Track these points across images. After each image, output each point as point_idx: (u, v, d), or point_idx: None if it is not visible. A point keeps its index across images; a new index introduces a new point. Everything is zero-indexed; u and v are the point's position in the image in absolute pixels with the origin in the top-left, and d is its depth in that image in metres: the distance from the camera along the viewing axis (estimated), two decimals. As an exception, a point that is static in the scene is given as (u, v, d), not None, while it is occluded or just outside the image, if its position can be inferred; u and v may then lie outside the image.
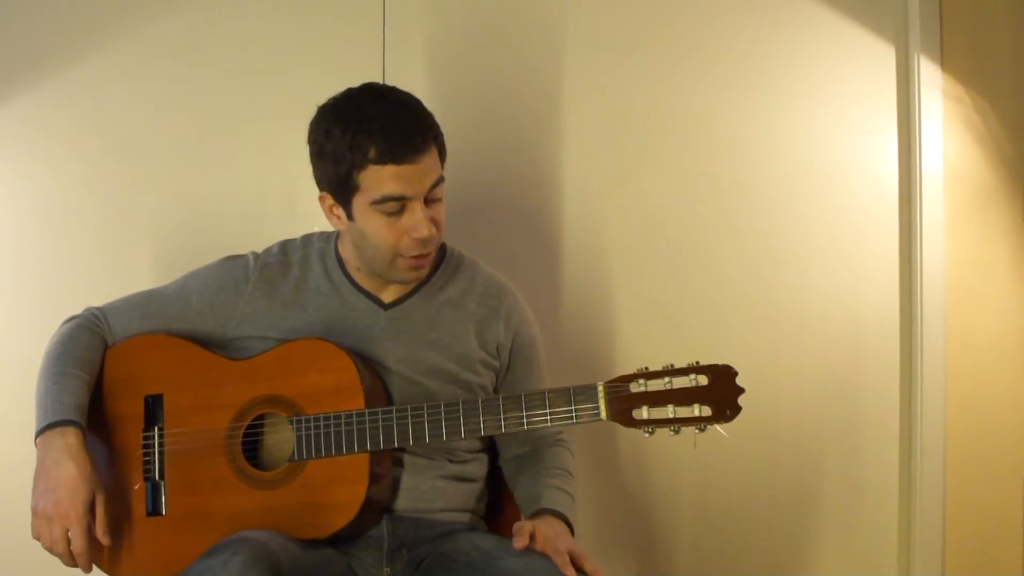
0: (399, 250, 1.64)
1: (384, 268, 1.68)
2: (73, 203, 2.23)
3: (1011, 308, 2.45)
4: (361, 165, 1.59)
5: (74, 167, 2.23)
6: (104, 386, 1.71)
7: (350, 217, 1.66)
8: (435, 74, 2.29)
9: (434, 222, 1.64)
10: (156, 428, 1.68)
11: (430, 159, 1.62)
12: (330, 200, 1.68)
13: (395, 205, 1.60)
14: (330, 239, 1.80)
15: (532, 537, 1.55)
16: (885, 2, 2.42)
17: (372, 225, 1.63)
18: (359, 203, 1.63)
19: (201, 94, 2.26)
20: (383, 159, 1.58)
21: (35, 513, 1.57)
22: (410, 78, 2.21)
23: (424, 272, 1.71)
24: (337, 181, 1.63)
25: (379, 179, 1.59)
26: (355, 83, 1.69)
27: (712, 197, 2.37)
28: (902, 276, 2.41)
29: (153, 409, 1.69)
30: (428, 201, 1.63)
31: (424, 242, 1.63)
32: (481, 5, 2.34)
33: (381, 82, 1.79)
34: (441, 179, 1.65)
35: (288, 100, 2.23)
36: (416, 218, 1.61)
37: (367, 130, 1.59)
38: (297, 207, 2.24)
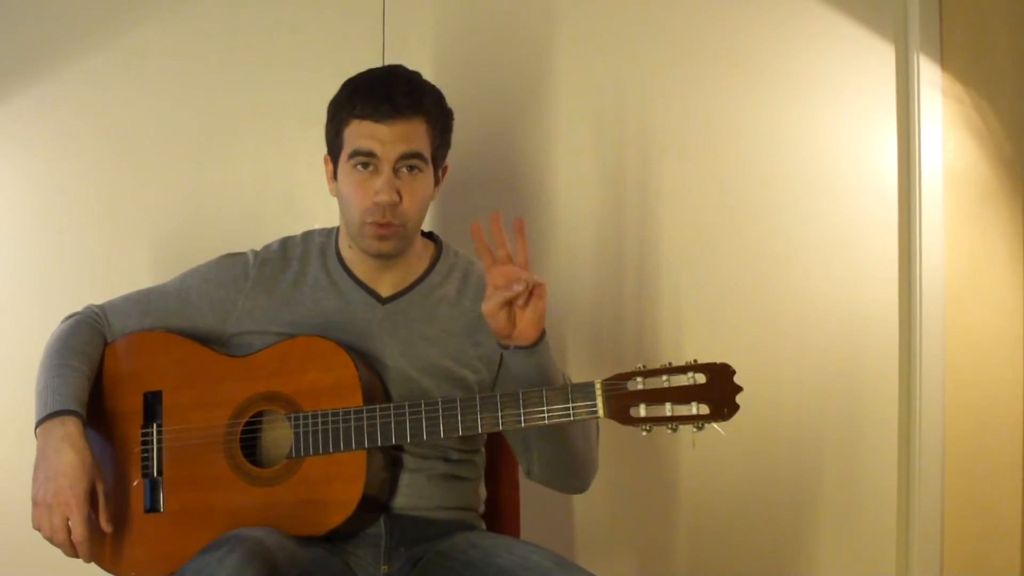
0: (365, 214, 1.65)
1: (356, 234, 1.69)
2: (73, 202, 2.23)
3: (1010, 307, 2.45)
4: (347, 120, 1.66)
5: (74, 166, 2.24)
6: (103, 383, 1.71)
7: (336, 178, 1.71)
8: (435, 73, 2.28)
9: (399, 193, 1.64)
10: (155, 425, 1.68)
11: (410, 128, 1.64)
12: (329, 163, 1.73)
13: (364, 160, 1.64)
14: (331, 234, 1.80)
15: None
16: (885, 1, 2.42)
17: (346, 184, 1.67)
18: (342, 161, 1.68)
19: (201, 93, 2.26)
20: (363, 113, 1.63)
21: (35, 502, 1.56)
22: (410, 77, 2.21)
23: (389, 246, 1.68)
24: (331, 139, 1.71)
25: (356, 133, 1.65)
26: (355, 82, 1.71)
27: (711, 196, 2.37)
28: (901, 275, 2.41)
29: (152, 406, 1.69)
30: (400, 171, 1.64)
31: (384, 209, 1.64)
32: (481, 4, 2.34)
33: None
34: (418, 155, 1.65)
35: (288, 99, 2.24)
36: (380, 181, 1.63)
37: (360, 88, 1.66)
38: (297, 207, 2.24)
